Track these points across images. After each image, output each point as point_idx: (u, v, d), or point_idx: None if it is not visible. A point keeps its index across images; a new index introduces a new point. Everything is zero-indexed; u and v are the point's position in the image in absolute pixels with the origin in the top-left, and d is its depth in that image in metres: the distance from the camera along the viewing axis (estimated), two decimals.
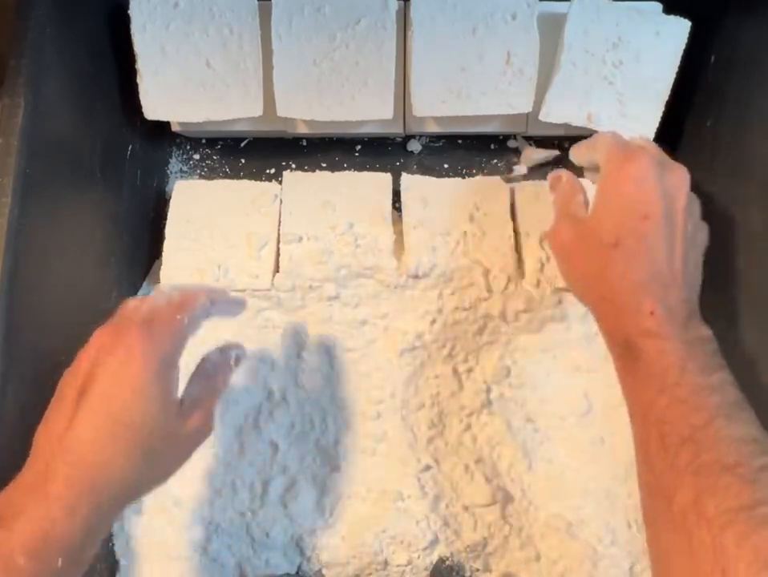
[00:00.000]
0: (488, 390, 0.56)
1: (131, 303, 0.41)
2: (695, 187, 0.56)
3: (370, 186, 0.57)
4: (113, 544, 0.54)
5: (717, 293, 0.51)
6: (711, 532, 0.32)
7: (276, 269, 0.56)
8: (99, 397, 0.37)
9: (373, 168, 0.63)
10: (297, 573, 0.54)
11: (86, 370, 0.38)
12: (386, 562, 0.53)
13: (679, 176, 0.44)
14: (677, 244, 0.42)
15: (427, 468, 0.54)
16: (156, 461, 0.39)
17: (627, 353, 0.40)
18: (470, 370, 0.56)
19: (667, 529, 0.35)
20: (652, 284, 0.40)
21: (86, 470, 0.35)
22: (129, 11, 0.54)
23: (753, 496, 0.32)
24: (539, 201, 0.57)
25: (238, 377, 0.56)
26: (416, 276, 0.54)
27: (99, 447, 0.36)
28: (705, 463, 0.34)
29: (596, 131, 0.55)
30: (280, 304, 0.56)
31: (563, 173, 0.49)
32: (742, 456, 0.34)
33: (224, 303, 0.45)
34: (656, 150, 0.46)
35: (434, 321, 0.55)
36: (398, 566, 0.53)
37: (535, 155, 0.62)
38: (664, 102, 0.55)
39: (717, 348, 0.40)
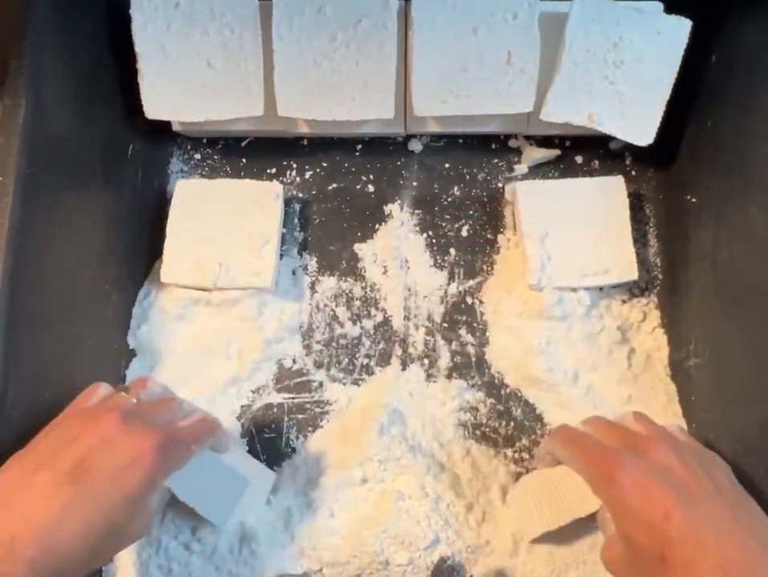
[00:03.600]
0: None
1: (148, 402, 0.44)
2: (696, 188, 0.56)
3: None
4: None
5: (718, 294, 0.52)
6: None
7: (278, 268, 0.56)
8: (91, 496, 0.37)
9: (374, 168, 0.63)
10: (299, 573, 0.54)
11: (85, 448, 0.39)
12: (386, 562, 0.53)
13: (658, 449, 0.41)
14: (716, 513, 0.37)
15: (428, 468, 0.54)
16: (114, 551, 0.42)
17: None
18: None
19: None
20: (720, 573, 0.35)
21: (53, 559, 0.36)
22: (129, 11, 0.54)
23: None
24: (540, 199, 0.57)
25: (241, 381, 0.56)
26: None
27: (78, 544, 0.37)
28: None
29: (596, 131, 0.55)
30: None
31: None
32: None
33: (225, 439, 0.48)
34: (623, 435, 0.43)
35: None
36: (398, 565, 0.53)
37: (536, 154, 0.62)
38: (665, 102, 0.55)
39: None
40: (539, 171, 0.62)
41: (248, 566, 0.52)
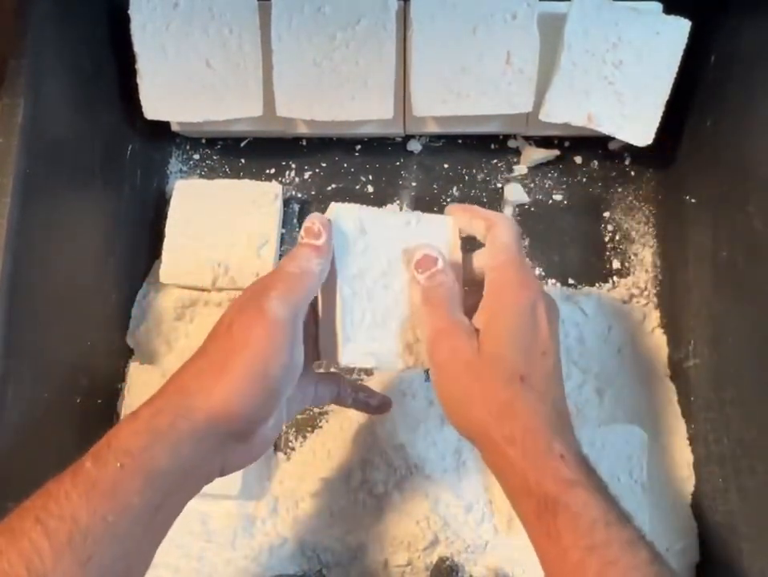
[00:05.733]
0: None
1: None
2: (695, 188, 0.56)
3: None
4: None
5: (718, 294, 0.52)
6: None
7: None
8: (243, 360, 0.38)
9: (373, 168, 0.63)
10: (299, 573, 0.54)
11: (226, 325, 0.40)
12: (386, 563, 0.53)
13: (552, 303, 0.40)
14: (561, 380, 0.39)
15: (427, 469, 0.54)
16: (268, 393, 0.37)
17: (544, 509, 0.34)
18: None
19: None
20: (557, 423, 0.36)
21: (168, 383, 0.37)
22: (129, 11, 0.54)
23: None
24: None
25: None
26: None
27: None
28: None
29: (595, 131, 0.55)
30: None
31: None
32: None
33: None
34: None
35: None
36: (397, 566, 0.53)
37: (536, 154, 0.62)
38: (665, 102, 0.55)
39: None
40: (538, 171, 0.62)
41: (249, 558, 0.52)
